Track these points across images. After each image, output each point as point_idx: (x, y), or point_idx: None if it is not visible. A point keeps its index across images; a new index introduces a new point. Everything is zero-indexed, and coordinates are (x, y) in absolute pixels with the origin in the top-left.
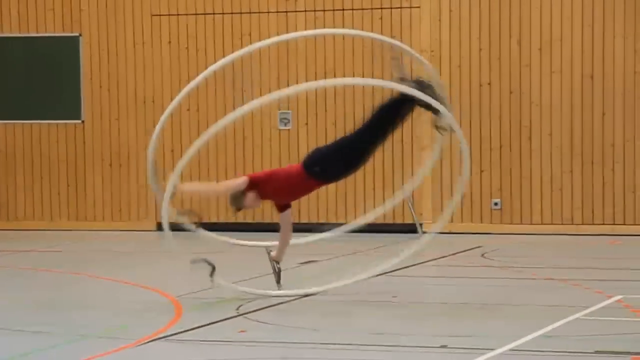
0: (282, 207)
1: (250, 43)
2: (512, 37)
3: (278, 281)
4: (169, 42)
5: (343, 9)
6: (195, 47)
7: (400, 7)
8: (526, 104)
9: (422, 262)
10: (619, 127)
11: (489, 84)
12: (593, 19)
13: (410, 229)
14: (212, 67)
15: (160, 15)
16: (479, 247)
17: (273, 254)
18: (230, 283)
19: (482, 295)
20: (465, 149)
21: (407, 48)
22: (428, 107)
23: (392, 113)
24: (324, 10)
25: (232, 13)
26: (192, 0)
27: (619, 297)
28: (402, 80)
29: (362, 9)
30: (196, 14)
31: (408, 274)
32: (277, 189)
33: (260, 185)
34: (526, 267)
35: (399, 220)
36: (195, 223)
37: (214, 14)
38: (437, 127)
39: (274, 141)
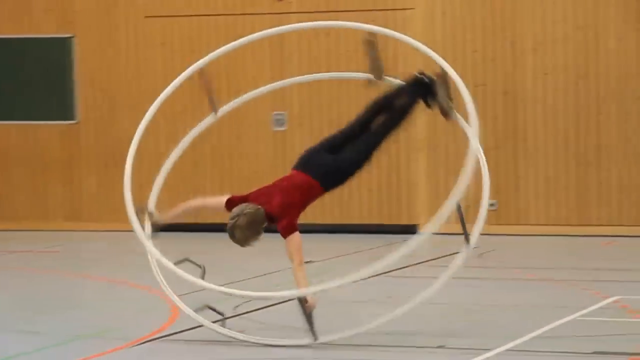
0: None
1: None
2: (505, 38)
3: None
4: (162, 43)
5: (337, 11)
6: (189, 48)
7: (394, 9)
8: (521, 105)
9: (418, 263)
10: (613, 127)
11: (484, 85)
12: (586, 20)
13: (405, 230)
14: (198, 63)
15: (153, 16)
16: (475, 248)
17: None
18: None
19: (478, 296)
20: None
21: (419, 44)
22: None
23: (402, 108)
24: (318, 12)
25: (225, 14)
26: (185, 2)
27: (615, 297)
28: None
29: (356, 11)
30: (189, 16)
31: (403, 275)
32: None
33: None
34: (522, 268)
35: (395, 222)
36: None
37: (207, 15)
38: (443, 112)
39: (268, 143)
